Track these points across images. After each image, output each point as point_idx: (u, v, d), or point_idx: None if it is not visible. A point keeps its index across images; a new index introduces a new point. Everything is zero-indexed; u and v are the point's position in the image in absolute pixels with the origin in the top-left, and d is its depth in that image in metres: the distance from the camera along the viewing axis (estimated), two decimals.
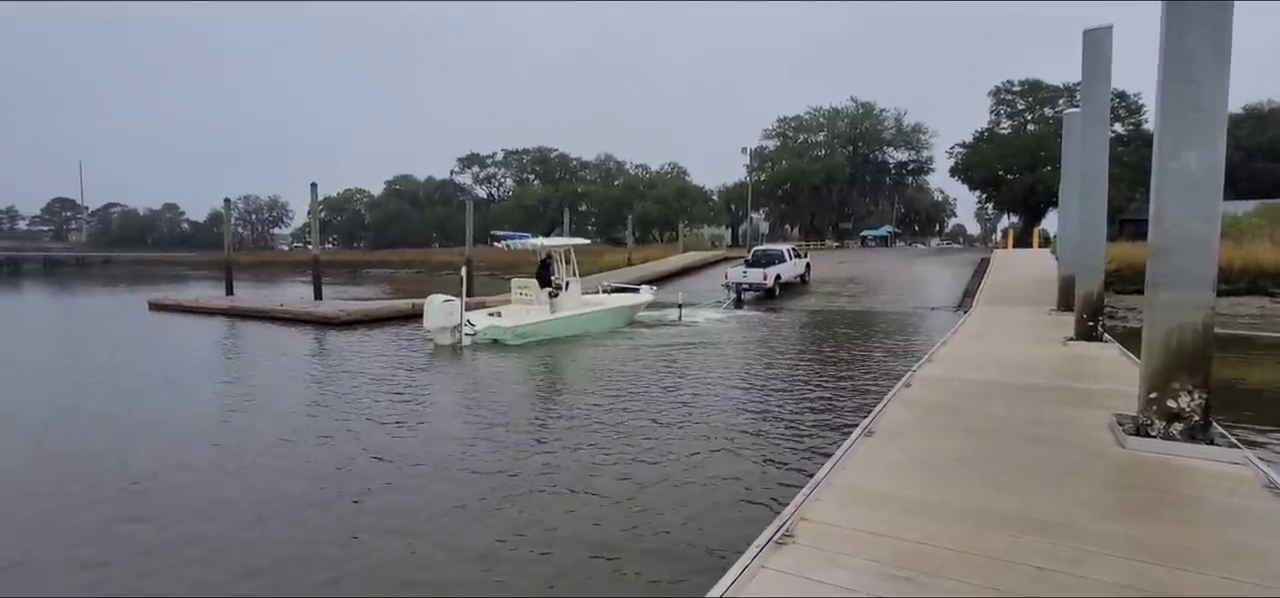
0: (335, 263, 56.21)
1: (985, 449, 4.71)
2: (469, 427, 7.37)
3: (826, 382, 9.82)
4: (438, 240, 76.38)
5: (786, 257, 24.80)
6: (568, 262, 16.07)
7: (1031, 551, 3.06)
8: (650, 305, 18.63)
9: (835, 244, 56.14)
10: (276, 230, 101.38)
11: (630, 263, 36.25)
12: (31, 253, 74.86)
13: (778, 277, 23.37)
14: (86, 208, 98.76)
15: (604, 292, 19.24)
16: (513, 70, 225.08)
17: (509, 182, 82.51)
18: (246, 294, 25.49)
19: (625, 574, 4.05)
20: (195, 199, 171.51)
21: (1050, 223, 45.01)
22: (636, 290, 18.60)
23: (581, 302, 16.05)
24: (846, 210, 65.07)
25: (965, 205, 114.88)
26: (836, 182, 59.23)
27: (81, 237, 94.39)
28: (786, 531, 3.28)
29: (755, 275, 22.98)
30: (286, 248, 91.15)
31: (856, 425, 5.45)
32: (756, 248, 27.93)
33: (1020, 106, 50.86)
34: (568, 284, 15.63)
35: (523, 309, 15.40)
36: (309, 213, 24.58)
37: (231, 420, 7.84)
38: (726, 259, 36.19)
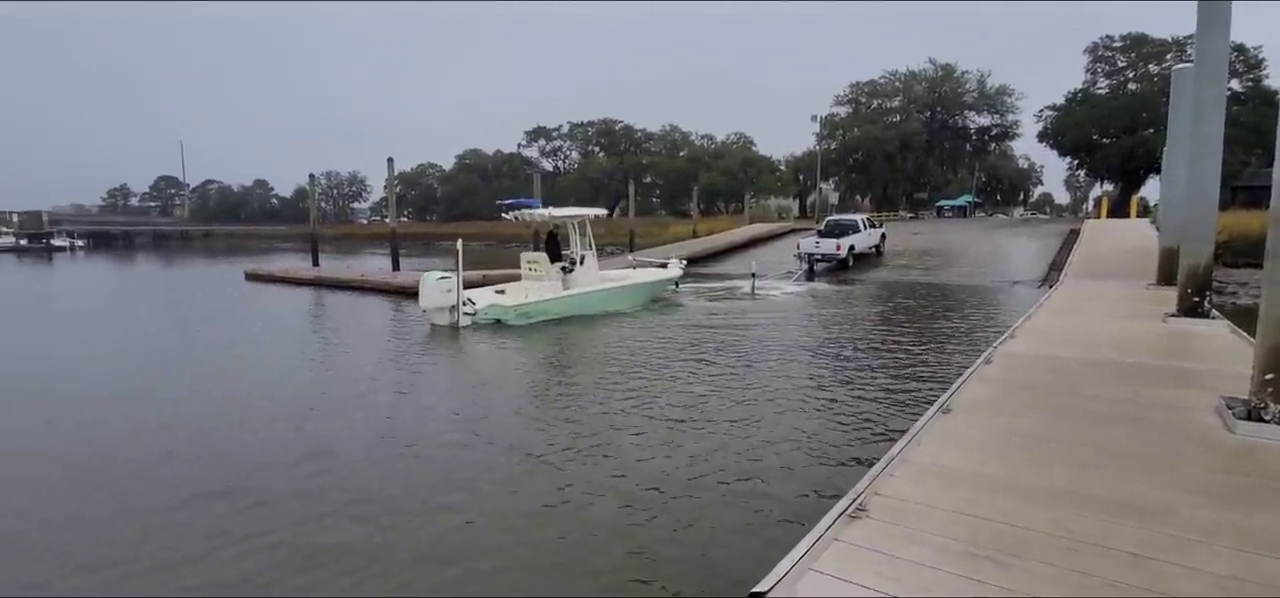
0: (409, 235, 58.52)
1: (1074, 430, 4.48)
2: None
3: (899, 357, 9.53)
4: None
5: (860, 226, 24.11)
6: (583, 233, 14.68)
7: (1126, 537, 2.90)
8: (711, 278, 18.39)
9: (909, 215, 53.86)
10: (356, 205, 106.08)
11: (696, 234, 36.00)
12: (143, 226, 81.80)
13: (851, 247, 22.73)
14: (187, 185, 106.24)
15: (632, 266, 18.31)
16: (580, 42, 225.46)
17: (574, 154, 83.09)
18: (330, 265, 26.90)
19: (687, 546, 4.11)
20: (283, 176, 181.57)
21: (1150, 190, 41.59)
22: (664, 264, 17.28)
23: (598, 277, 14.78)
24: (922, 179, 62.12)
25: (1054, 173, 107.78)
26: (912, 149, 56.51)
27: (184, 212, 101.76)
28: (859, 505, 3.24)
29: (828, 246, 22.45)
30: (365, 221, 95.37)
31: (933, 402, 5.28)
32: (829, 218, 27.15)
33: (1120, 63, 46.89)
34: (583, 258, 14.37)
35: (532, 286, 14.17)
36: (386, 187, 25.68)
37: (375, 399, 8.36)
38: (794, 231, 35.38)
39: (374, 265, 27.36)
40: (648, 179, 73.96)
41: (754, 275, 19.09)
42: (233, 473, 5.20)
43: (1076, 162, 51.13)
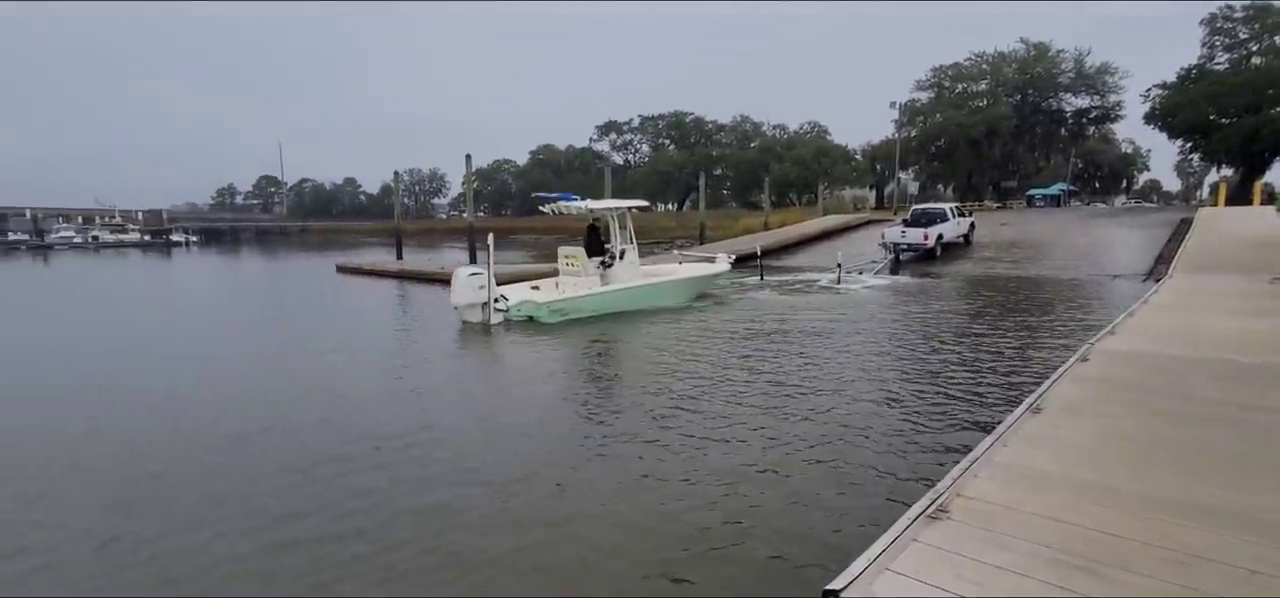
0: (485, 229, 60.32)
1: (1183, 434, 4.14)
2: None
3: (983, 354, 9.06)
4: None
5: (949, 215, 23.21)
6: (624, 227, 13.97)
7: (1241, 551, 2.68)
8: (782, 271, 18.01)
9: (996, 205, 50.98)
10: (435, 200, 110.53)
11: (767, 227, 35.43)
12: (247, 223, 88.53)
13: (939, 237, 21.96)
14: (285, 183, 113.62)
15: (679, 261, 17.68)
16: (654, 36, 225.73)
17: (645, 147, 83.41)
18: (413, 259, 28.16)
19: (758, 541, 4.07)
20: (370, 173, 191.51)
21: (1276, 176, 37.59)
22: (711, 259, 16.51)
23: (641, 272, 14.11)
24: (1010, 167, 58.49)
25: (1162, 157, 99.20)
26: (999, 135, 53.22)
27: (282, 208, 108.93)
28: (940, 506, 3.12)
29: (915, 235, 21.80)
30: (444, 217, 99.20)
31: (1021, 401, 5.01)
32: (915, 207, 26.38)
33: (1242, 35, 42.46)
34: (623, 253, 13.73)
35: (569, 281, 13.60)
36: (463, 183, 26.63)
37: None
38: (871, 222, 34.21)
39: (452, 259, 28.46)
40: (718, 171, 73.35)
41: (840, 266, 18.66)
42: (338, 445, 5.58)
43: (1189, 144, 46.81)
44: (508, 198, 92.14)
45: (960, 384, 7.42)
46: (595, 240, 13.83)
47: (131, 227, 63.61)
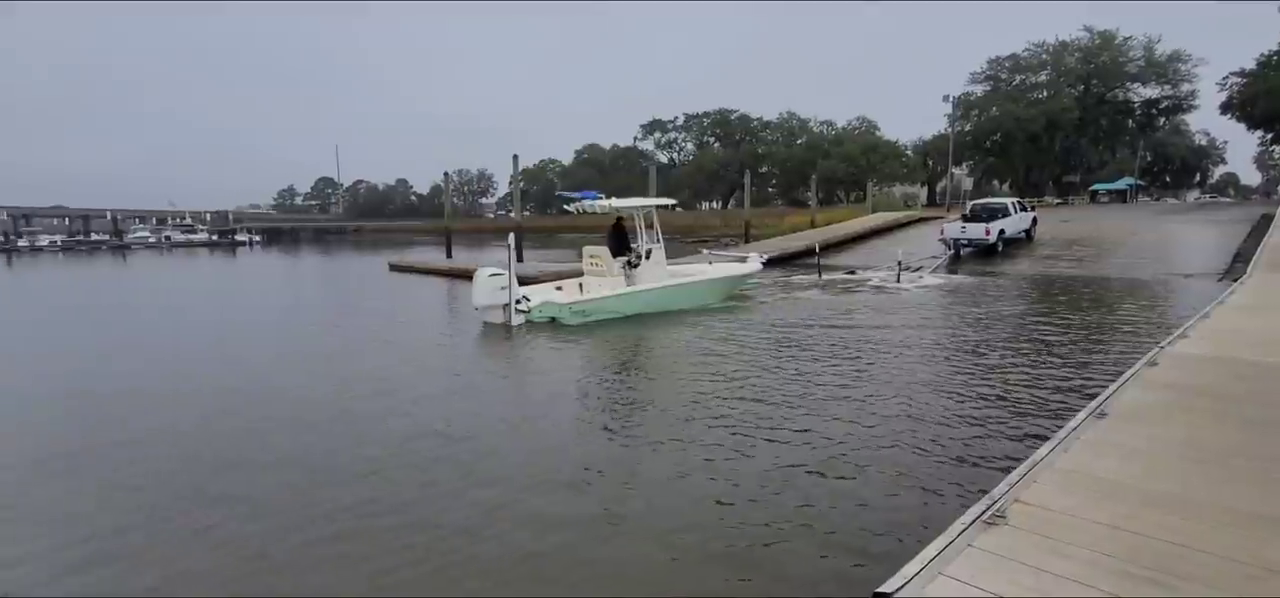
0: (532, 229, 61.22)
1: (1265, 444, 3.91)
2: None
3: (1044, 357, 8.71)
4: None
5: (1011, 210, 22.79)
6: (650, 226, 13.55)
7: None
8: (829, 270, 17.64)
9: (1057, 200, 48.92)
10: (483, 200, 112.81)
11: (814, 225, 34.87)
12: (305, 223, 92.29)
13: (1001, 232, 21.51)
14: (341, 185, 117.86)
15: (708, 261, 17.14)
16: (698, 33, 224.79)
17: (689, 146, 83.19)
18: (462, 257, 28.80)
19: (809, 538, 4.03)
20: (420, 174, 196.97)
21: None
22: (743, 259, 15.89)
23: (668, 272, 13.73)
24: (1073, 161, 55.93)
25: (1240, 150, 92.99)
26: (1060, 127, 50.90)
27: (339, 209, 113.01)
28: (997, 511, 3.03)
29: (976, 230, 21.48)
30: (491, 216, 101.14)
31: (1084, 406, 4.81)
32: (975, 202, 26.01)
33: None
34: (650, 252, 13.30)
35: (594, 282, 13.28)
36: (510, 183, 27.05)
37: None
38: (921, 220, 33.30)
39: (499, 257, 29.01)
40: (764, 169, 72.61)
41: (899, 263, 18.31)
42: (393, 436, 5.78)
43: (1270, 136, 43.96)
44: (553, 197, 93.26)
45: (1019, 388, 7.16)
46: (620, 240, 13.44)
47: (200, 227, 67.19)
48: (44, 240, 56.38)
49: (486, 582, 3.64)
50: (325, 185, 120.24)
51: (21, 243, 54.18)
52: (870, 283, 17.59)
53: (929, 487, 4.65)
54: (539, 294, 12.30)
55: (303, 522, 4.33)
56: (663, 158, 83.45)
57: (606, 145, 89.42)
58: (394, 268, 25.94)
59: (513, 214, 27.31)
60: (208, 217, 74.32)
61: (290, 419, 6.63)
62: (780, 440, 5.62)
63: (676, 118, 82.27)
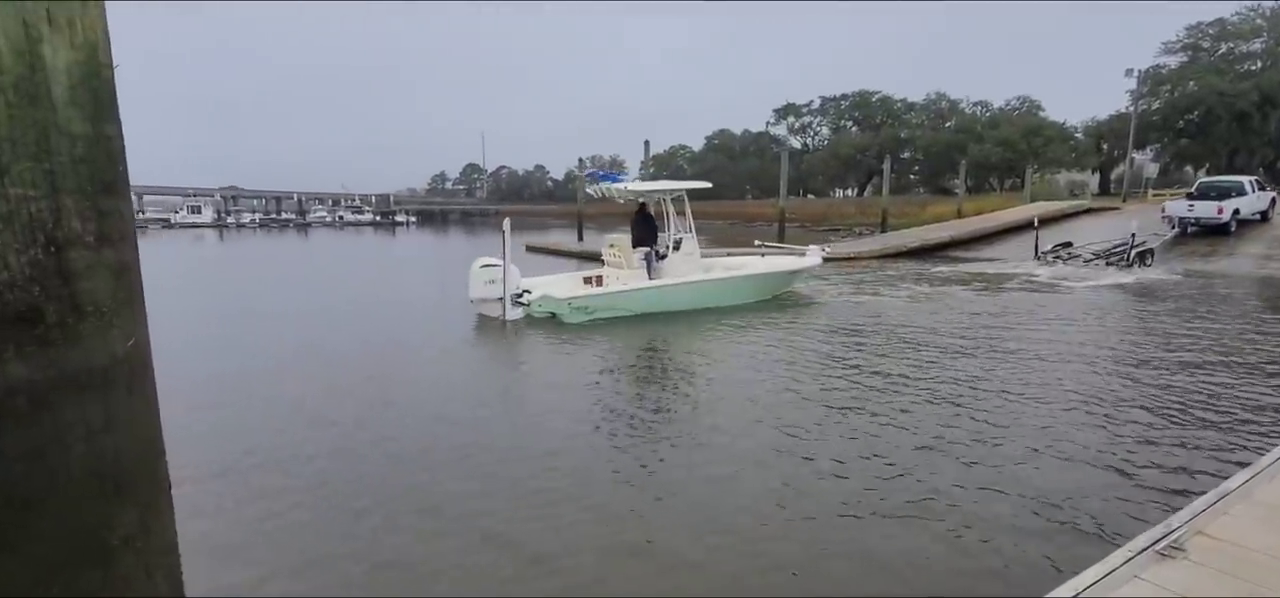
0: (658, 214, 62.00)
1: None
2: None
3: (1256, 379, 7.49)
4: (751, 192, 78.38)
5: (1247, 188, 20.76)
6: (681, 213, 12.19)
7: None
8: (970, 262, 16.14)
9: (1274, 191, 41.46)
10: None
11: (960, 214, 32.27)
12: (453, 206, 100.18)
13: (1235, 212, 19.82)
14: (486, 170, 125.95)
15: (761, 254, 15.46)
16: (841, 13, 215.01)
17: (825, 130, 79.85)
18: (593, 240, 29.83)
19: (949, 566, 3.79)
20: (557, 160, 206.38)
21: None
22: (802, 253, 14.10)
23: (699, 266, 12.26)
24: None
25: None
26: (1278, 105, 43.00)
27: (483, 193, 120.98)
28: (1174, 542, 2.69)
29: (1206, 209, 20.08)
30: (622, 201, 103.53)
31: None
32: (1203, 180, 24.82)
33: None
34: (679, 243, 11.98)
35: (614, 275, 12.06)
36: (640, 168, 27.51)
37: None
38: (1089, 211, 29.72)
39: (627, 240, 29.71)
40: (906, 154, 67.97)
41: (1070, 255, 16.78)
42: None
43: None
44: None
45: (1210, 410, 6.23)
46: (648, 228, 12.06)
47: (366, 208, 75.36)
48: (247, 217, 66.23)
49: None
50: (472, 171, 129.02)
51: (230, 220, 63.99)
52: (1019, 277, 15.95)
53: (1089, 513, 4.18)
54: (542, 287, 11.28)
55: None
56: (795, 143, 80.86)
57: (738, 131, 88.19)
58: (531, 249, 27.43)
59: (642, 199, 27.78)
60: (373, 199, 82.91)
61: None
62: (918, 442, 5.32)
63: (812, 101, 79.23)
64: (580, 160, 33.41)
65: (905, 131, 68.46)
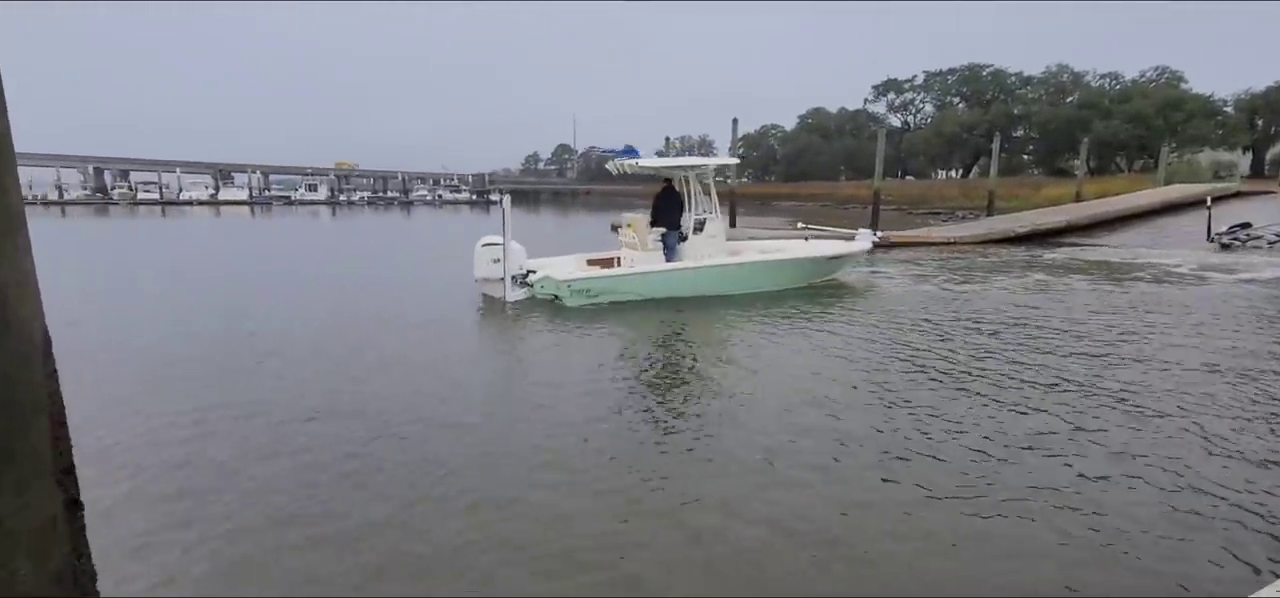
0: (747, 195, 60.89)
1: None
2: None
3: None
4: (845, 173, 75.44)
5: None
6: (707, 193, 11.38)
7: None
8: (1088, 248, 14.64)
9: None
10: None
11: (1079, 198, 29.62)
12: (545, 186, 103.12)
13: None
14: (577, 151, 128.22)
15: (804, 237, 14.53)
16: None
17: (928, 107, 75.36)
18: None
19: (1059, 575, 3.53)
20: (646, 141, 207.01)
21: None
22: (851, 237, 12.86)
23: (725, 248, 11.41)
24: None
25: None
26: None
27: (573, 173, 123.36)
28: None
29: None
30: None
31: None
32: None
33: None
34: (703, 223, 11.14)
35: (629, 256, 11.26)
36: (729, 149, 27.05)
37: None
38: (1238, 195, 26.53)
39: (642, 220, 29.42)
40: (1019, 132, 63.00)
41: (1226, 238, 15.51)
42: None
43: None
44: (773, 163, 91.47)
45: None
46: (670, 207, 11.18)
47: (463, 188, 79.04)
48: (356, 196, 71.35)
49: None
50: (563, 151, 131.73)
51: (341, 197, 69.17)
52: (1167, 270, 14.21)
53: (1220, 543, 3.75)
54: (548, 268, 10.58)
55: None
56: (895, 121, 76.87)
57: (833, 109, 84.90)
58: (615, 228, 27.70)
59: (729, 180, 27.36)
60: (469, 178, 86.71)
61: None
62: (1020, 455, 4.97)
63: (915, 76, 74.81)
64: (666, 139, 33.28)
65: (1019, 107, 63.36)
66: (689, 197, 11.39)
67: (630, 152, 11.15)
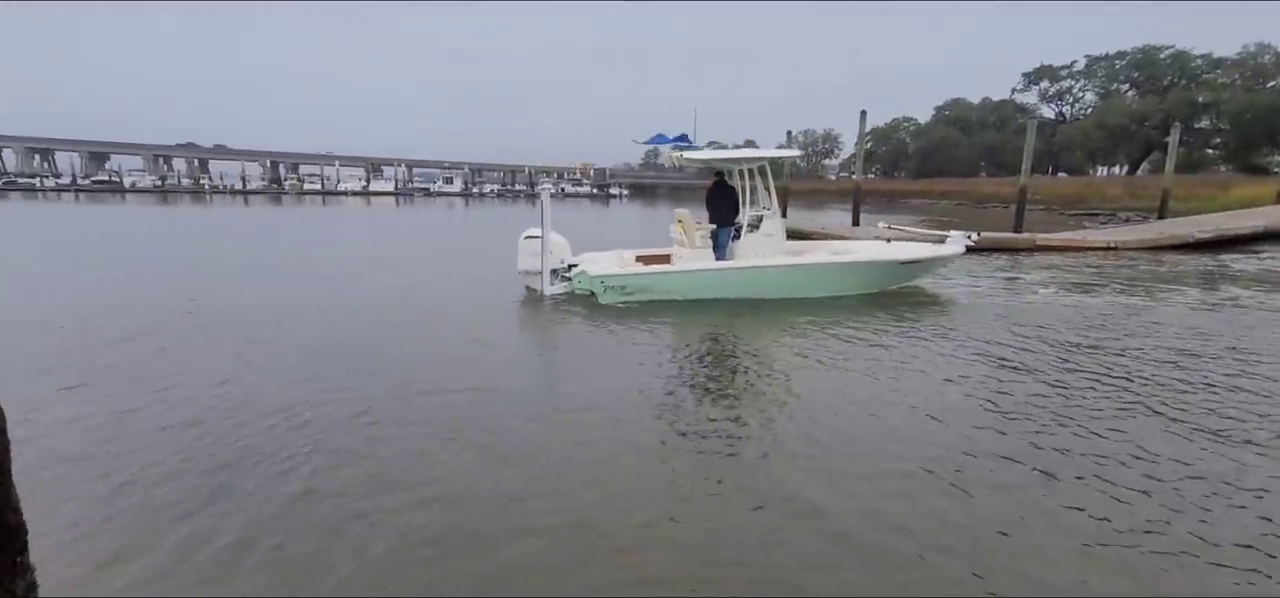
0: (874, 191, 57.87)
1: None
2: None
3: None
4: (985, 169, 69.54)
5: None
6: (765, 185, 10.60)
7: None
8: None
9: None
10: (827, 161, 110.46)
11: (1279, 199, 25.27)
12: (663, 180, 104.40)
13: None
14: (698, 145, 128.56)
15: (887, 238, 13.31)
16: None
17: (1089, 96, 67.60)
18: (795, 218, 28.82)
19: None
20: (768, 135, 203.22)
21: None
22: (942, 240, 11.45)
23: (782, 247, 10.56)
24: None
25: None
26: None
27: (693, 168, 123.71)
28: None
29: None
30: (833, 178, 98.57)
31: None
32: None
33: None
34: (759, 221, 10.35)
35: (679, 253, 10.63)
36: (856, 143, 25.77)
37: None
38: None
39: (835, 220, 28.16)
40: (1203, 123, 54.82)
41: None
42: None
43: None
44: (904, 158, 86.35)
45: None
46: (722, 202, 10.50)
47: (585, 181, 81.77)
48: (488, 189, 76.46)
49: None
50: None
51: (474, 190, 74.40)
52: None
53: None
54: (588, 262, 10.19)
55: None
56: (1048, 112, 69.73)
57: (975, 100, 78.57)
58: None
59: (855, 176, 26.07)
60: (592, 171, 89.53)
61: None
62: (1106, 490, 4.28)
63: (1074, 62, 67.33)
64: (789, 133, 32.26)
65: (1205, 94, 54.99)
66: (744, 192, 10.72)
67: (683, 139, 10.53)
